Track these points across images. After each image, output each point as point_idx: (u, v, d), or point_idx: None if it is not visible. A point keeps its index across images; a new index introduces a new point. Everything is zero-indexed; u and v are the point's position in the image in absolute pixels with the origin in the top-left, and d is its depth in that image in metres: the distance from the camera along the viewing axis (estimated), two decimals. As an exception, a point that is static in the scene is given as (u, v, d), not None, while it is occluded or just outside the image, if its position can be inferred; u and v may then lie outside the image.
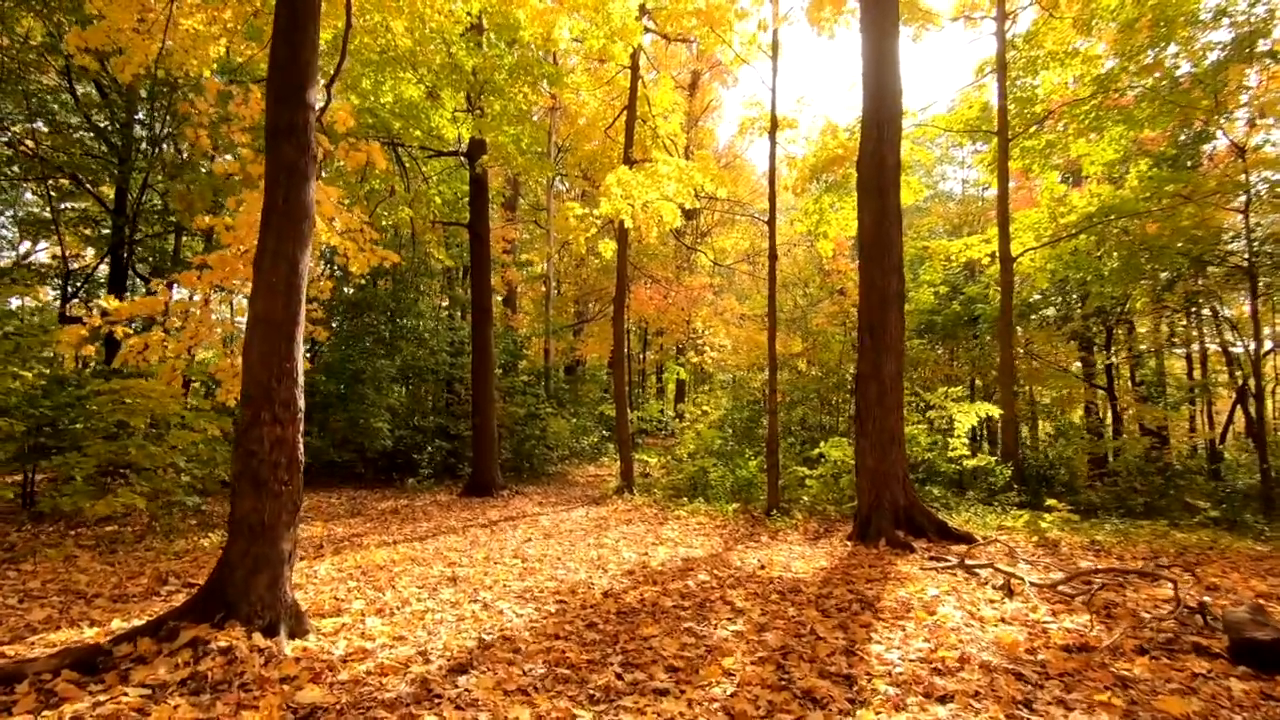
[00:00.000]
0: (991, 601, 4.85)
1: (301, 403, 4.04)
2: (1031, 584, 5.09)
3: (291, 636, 3.84)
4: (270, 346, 3.92)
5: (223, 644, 3.42)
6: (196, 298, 6.76)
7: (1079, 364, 16.77)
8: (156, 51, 7.30)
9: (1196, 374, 20.11)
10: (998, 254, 12.33)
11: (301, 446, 4.03)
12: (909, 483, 8.02)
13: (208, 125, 6.34)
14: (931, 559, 6.60)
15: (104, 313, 6.11)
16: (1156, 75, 11.32)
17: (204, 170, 11.20)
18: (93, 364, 10.83)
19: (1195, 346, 18.21)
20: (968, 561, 5.93)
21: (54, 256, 15.09)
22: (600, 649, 3.91)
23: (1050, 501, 8.62)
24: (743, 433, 15.45)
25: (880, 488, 7.83)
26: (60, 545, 6.13)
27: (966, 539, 7.45)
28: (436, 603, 4.86)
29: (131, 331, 6.55)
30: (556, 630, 4.23)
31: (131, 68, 7.29)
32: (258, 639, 3.56)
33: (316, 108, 4.29)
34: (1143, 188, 11.68)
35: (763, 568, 6.32)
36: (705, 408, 13.88)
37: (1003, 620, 4.38)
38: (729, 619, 4.52)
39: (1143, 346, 17.24)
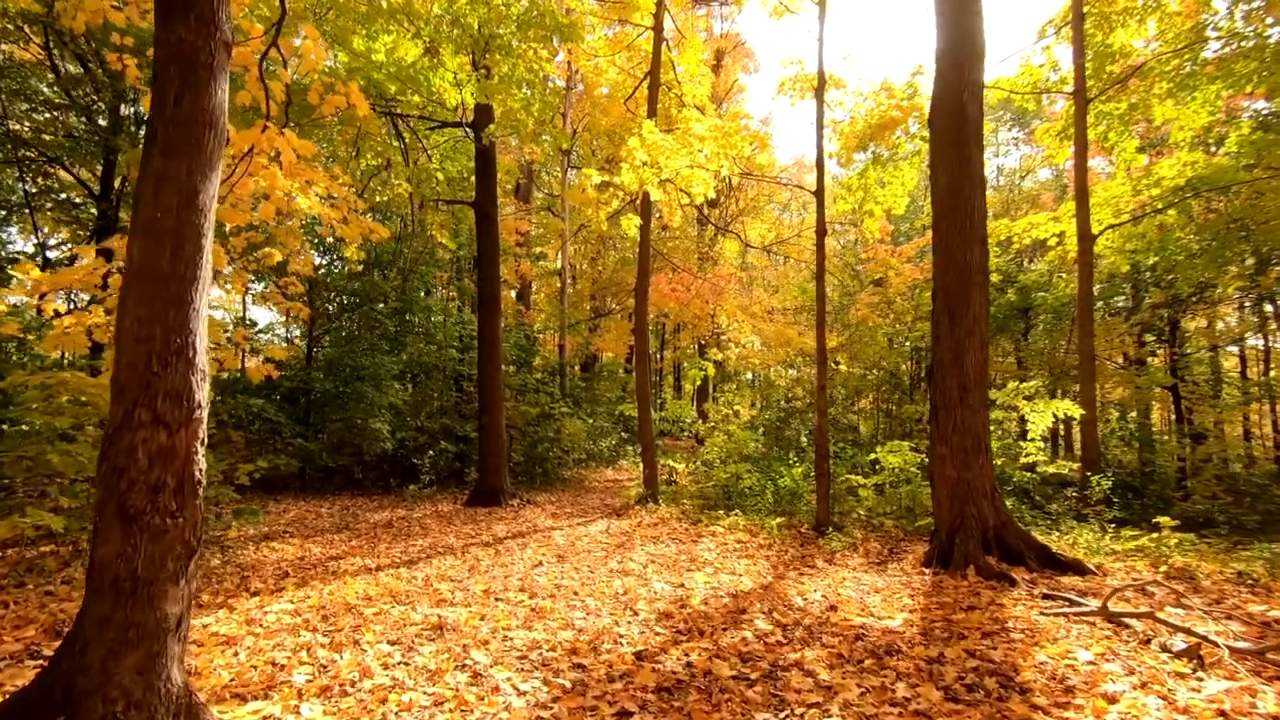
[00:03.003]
0: (1181, 676, 3.46)
1: (202, 397, 2.77)
2: (1229, 649, 3.69)
3: (178, 745, 2.57)
4: (151, 313, 2.65)
5: (45, 777, 2.16)
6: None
7: (1124, 359, 15.20)
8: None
9: (1251, 372, 18.33)
10: (1071, 232, 10.87)
11: (202, 460, 2.77)
12: (999, 497, 6.62)
13: (133, 50, 5.12)
14: (1045, 597, 5.22)
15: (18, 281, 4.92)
16: (1268, 22, 9.76)
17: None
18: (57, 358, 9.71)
19: (1259, 341, 16.53)
20: (1111, 608, 4.53)
21: (36, 245, 14.07)
22: (639, 767, 2.60)
23: (1161, 519, 7.15)
24: (772, 435, 14.09)
25: (963, 503, 6.45)
26: (-37, 575, 4.96)
27: (1077, 568, 6.06)
28: (409, 671, 3.56)
29: (62, 311, 5.37)
30: (573, 726, 2.93)
31: (84, 15, 6.15)
32: (111, 762, 2.30)
33: (229, -26, 3.02)
34: (1245, 154, 10.14)
35: (833, 608, 4.98)
36: (736, 407, 12.50)
37: (1223, 716, 3.01)
38: (818, 703, 3.19)
39: (1209, 340, 15.62)
